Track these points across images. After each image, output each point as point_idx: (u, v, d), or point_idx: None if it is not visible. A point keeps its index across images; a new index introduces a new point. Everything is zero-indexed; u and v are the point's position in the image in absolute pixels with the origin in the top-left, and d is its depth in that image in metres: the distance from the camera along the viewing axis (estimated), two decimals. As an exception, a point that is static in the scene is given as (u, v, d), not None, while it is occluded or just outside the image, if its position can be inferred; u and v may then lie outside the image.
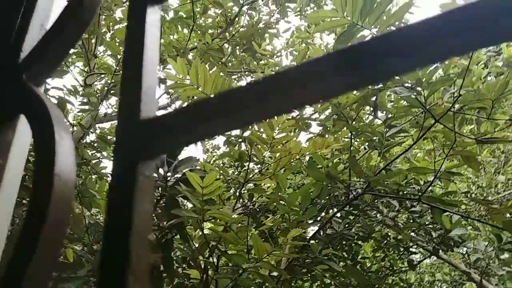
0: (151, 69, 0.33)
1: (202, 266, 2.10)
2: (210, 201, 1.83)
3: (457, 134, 1.65)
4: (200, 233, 2.10)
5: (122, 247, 0.25)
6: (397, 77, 1.64)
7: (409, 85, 1.60)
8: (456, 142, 1.73)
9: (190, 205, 2.17)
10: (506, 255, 3.72)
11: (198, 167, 2.49)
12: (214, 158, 5.14)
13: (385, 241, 4.24)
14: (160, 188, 2.09)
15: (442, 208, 1.81)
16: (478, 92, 1.59)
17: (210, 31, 3.89)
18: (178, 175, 2.04)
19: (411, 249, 4.53)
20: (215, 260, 2.05)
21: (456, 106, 1.62)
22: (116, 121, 0.33)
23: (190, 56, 3.70)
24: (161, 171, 2.04)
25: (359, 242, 3.81)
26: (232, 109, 0.28)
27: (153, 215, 2.15)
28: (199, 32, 4.11)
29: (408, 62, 0.25)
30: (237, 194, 2.62)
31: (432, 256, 4.06)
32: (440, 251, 3.49)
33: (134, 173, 0.28)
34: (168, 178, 2.02)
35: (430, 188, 2.91)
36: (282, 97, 0.27)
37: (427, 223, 3.42)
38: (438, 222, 1.91)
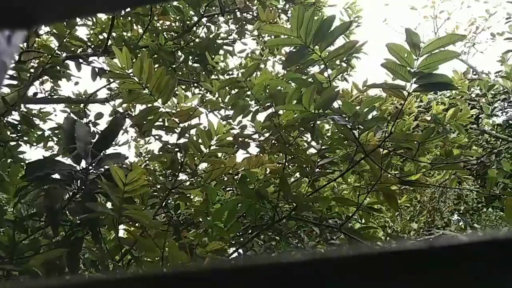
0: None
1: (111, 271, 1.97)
2: (131, 201, 1.73)
3: (383, 171, 1.74)
4: (114, 235, 1.97)
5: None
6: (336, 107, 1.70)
7: (346, 116, 1.67)
8: (381, 179, 1.82)
9: (110, 206, 2.05)
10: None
11: (125, 166, 2.38)
12: (145, 163, 4.96)
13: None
14: (78, 181, 1.95)
15: (360, 241, 1.88)
16: (407, 134, 1.70)
17: (165, 34, 3.82)
18: (102, 170, 1.92)
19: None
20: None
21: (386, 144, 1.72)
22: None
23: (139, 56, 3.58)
24: (83, 162, 1.91)
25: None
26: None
27: (66, 209, 1.99)
28: (154, 34, 4.02)
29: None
30: (163, 202, 2.52)
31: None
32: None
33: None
34: (90, 171, 1.89)
35: (350, 224, 3.03)
36: None
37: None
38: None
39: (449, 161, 2.72)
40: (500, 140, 6.63)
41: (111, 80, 3.99)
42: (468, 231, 7.79)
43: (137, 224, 1.96)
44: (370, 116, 1.91)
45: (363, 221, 2.74)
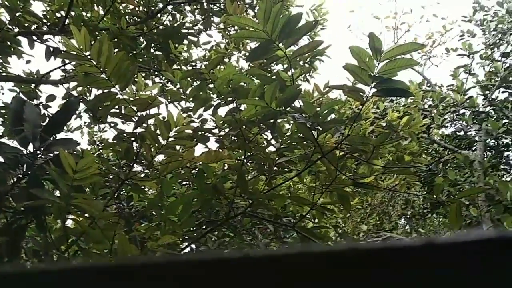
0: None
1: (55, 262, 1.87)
2: (80, 190, 1.65)
3: (338, 173, 1.77)
4: (61, 224, 1.87)
5: None
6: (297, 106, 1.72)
7: (307, 116, 1.69)
8: (336, 180, 1.86)
9: (58, 194, 1.94)
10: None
11: (76, 153, 2.27)
12: (98, 152, 4.77)
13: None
14: (24, 166, 1.83)
15: (312, 240, 1.90)
16: (363, 137, 1.75)
17: (127, 18, 3.67)
18: (51, 155, 1.82)
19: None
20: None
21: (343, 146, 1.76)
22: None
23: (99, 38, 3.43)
24: (30, 146, 1.79)
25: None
26: None
27: (9, 195, 1.87)
28: (115, 17, 3.86)
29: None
30: (115, 192, 2.43)
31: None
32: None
33: None
34: (38, 156, 1.78)
35: (304, 223, 3.08)
36: None
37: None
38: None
39: (401, 166, 2.83)
40: (448, 150, 7.01)
41: (67, 61, 3.79)
42: (413, 235, 8.19)
43: (85, 214, 1.87)
44: (329, 118, 1.94)
45: (316, 220, 2.79)
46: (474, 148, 6.68)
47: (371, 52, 1.48)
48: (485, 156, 6.54)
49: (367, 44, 1.48)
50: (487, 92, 6.69)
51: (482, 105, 6.51)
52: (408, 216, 8.65)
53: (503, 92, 6.70)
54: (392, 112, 3.99)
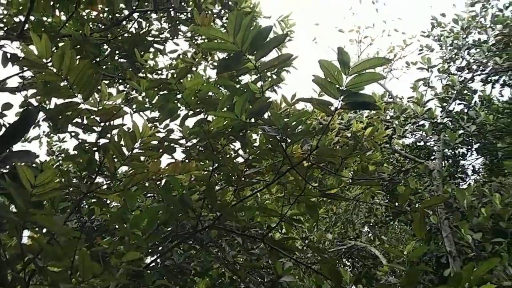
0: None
1: (9, 282, 1.75)
2: (39, 205, 1.56)
3: (306, 184, 1.78)
4: (16, 242, 1.76)
5: None
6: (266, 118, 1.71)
7: (276, 128, 1.69)
8: (304, 192, 1.86)
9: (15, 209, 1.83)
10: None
11: (35, 166, 2.15)
12: (58, 163, 4.57)
13: (220, 280, 4.28)
14: (-23, 179, 1.71)
15: (280, 252, 1.89)
16: (331, 149, 1.77)
17: (91, 24, 3.56)
18: (7, 169, 1.71)
19: (243, 291, 4.65)
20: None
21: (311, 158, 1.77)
22: None
23: (61, 44, 3.31)
24: (-16, 158, 1.68)
25: (195, 278, 3.75)
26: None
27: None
28: (78, 23, 3.73)
29: None
30: (75, 206, 2.32)
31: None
32: (268, 295, 3.63)
33: None
34: (-8, 169, 1.67)
35: (271, 234, 3.07)
36: None
37: (262, 266, 3.58)
38: (274, 266, 1.98)
39: (366, 176, 2.90)
40: (408, 160, 7.26)
41: (25, 68, 3.62)
42: (377, 242, 8.38)
43: (44, 230, 1.77)
44: (297, 130, 1.95)
45: (283, 231, 2.79)
46: (433, 157, 6.96)
47: (339, 66, 1.51)
48: (443, 165, 6.83)
49: (332, 56, 1.51)
50: (445, 104, 7.02)
51: (440, 116, 6.81)
52: (371, 224, 8.86)
53: (459, 104, 7.05)
54: (357, 123, 4.08)
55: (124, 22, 3.89)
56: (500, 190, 5.19)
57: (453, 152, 7.36)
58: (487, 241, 4.70)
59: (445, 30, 8.04)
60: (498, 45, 7.19)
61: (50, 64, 1.60)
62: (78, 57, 3.23)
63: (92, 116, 2.04)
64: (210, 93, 2.42)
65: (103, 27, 3.76)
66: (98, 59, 3.63)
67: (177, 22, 4.42)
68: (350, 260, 9.30)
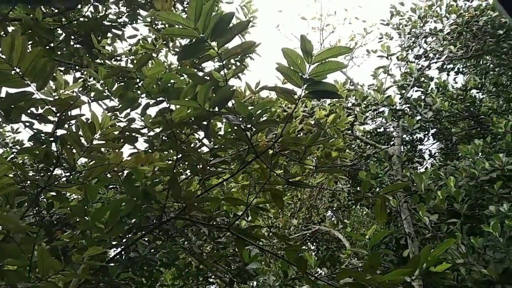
0: None
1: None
2: (-9, 201, 1.47)
3: (271, 172, 1.79)
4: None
5: None
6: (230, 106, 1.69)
7: (240, 117, 1.68)
8: (269, 180, 1.87)
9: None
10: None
11: (-15, 159, 2.04)
12: (12, 155, 4.34)
13: (187, 270, 4.27)
14: None
15: (246, 240, 1.90)
16: (296, 138, 1.78)
17: (43, 8, 3.36)
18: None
19: (210, 279, 4.66)
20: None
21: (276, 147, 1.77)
22: None
23: (10, 29, 3.11)
24: None
25: (161, 269, 3.72)
26: None
27: None
28: (29, 6, 3.51)
29: None
30: (33, 200, 2.22)
31: None
32: (235, 283, 3.67)
33: None
34: None
35: (237, 222, 3.07)
36: None
37: (228, 254, 3.60)
38: (240, 253, 1.99)
39: (329, 162, 2.95)
40: (369, 145, 7.48)
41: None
42: (340, 226, 8.64)
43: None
44: (262, 118, 1.95)
45: (249, 219, 2.80)
46: (392, 143, 7.21)
47: (302, 54, 1.51)
48: (402, 150, 7.09)
49: (295, 44, 1.51)
50: (403, 91, 7.26)
51: (399, 103, 7.03)
52: (334, 209, 9.11)
53: (416, 91, 7.31)
54: (320, 111, 4.14)
55: (79, 6, 3.70)
56: (454, 173, 5.46)
57: (411, 138, 7.66)
58: (443, 222, 4.95)
59: (403, 19, 8.27)
60: (452, 34, 7.49)
61: (-2, 51, 1.49)
62: (30, 43, 3.06)
63: (47, 106, 1.94)
64: (172, 81, 2.36)
65: (56, 10, 3.56)
66: (52, 45, 3.45)
67: (136, 6, 4.26)
68: (314, 244, 9.54)
